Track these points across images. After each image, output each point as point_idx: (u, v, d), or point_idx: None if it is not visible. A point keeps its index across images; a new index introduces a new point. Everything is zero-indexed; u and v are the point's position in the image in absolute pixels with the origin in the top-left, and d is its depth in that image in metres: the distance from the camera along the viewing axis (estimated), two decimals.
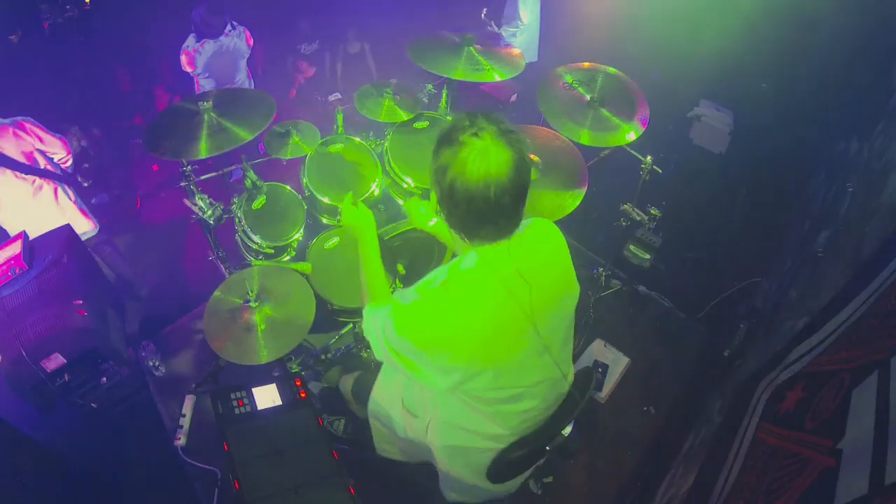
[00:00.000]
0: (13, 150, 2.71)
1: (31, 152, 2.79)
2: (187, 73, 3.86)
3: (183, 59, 3.78)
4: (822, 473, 1.24)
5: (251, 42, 3.95)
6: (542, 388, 1.47)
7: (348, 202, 1.81)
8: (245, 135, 2.18)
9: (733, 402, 2.24)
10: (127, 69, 4.63)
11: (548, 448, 1.56)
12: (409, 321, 1.27)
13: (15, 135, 2.73)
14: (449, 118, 2.82)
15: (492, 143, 1.17)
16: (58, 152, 2.91)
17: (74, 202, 3.02)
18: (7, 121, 2.75)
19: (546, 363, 1.43)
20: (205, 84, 3.90)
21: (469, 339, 1.26)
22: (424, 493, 2.01)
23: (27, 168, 2.76)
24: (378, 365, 2.64)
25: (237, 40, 3.85)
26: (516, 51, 2.79)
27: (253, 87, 4.19)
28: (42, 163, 2.84)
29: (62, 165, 2.96)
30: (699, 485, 1.91)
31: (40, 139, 2.82)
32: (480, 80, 2.62)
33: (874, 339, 1.44)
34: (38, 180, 2.83)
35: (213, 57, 3.78)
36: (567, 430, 1.60)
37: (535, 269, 1.31)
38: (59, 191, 2.93)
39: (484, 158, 1.15)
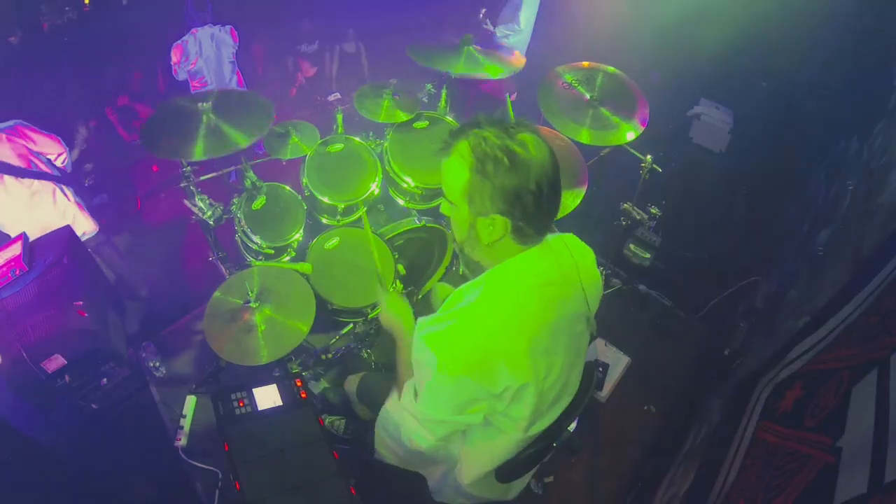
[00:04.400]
0: (8, 154, 2.70)
1: (27, 156, 2.78)
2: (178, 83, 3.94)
3: (173, 53, 3.88)
4: (821, 471, 1.25)
5: (236, 38, 4.06)
6: (568, 396, 1.48)
7: (391, 297, 1.67)
8: (242, 140, 2.18)
9: (733, 401, 2.24)
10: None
11: (554, 445, 1.57)
12: (454, 349, 1.20)
13: (9, 139, 2.71)
14: (449, 118, 2.82)
15: (528, 133, 1.21)
16: (52, 151, 2.89)
17: (73, 203, 3.01)
18: (0, 126, 2.74)
19: (578, 369, 1.45)
20: (195, 74, 3.94)
21: (518, 348, 1.21)
22: (425, 493, 2.01)
23: (24, 172, 2.74)
24: (379, 366, 2.65)
25: (222, 33, 3.97)
26: (515, 51, 2.80)
27: (239, 85, 4.21)
28: (38, 165, 2.83)
29: (59, 165, 2.94)
30: (699, 483, 1.91)
31: (33, 141, 2.80)
32: (479, 77, 2.62)
33: (874, 337, 1.44)
34: (36, 184, 2.82)
35: (200, 44, 3.89)
36: (572, 427, 1.60)
37: (584, 266, 1.36)
38: (58, 192, 2.92)
39: (539, 149, 1.19)
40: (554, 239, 1.35)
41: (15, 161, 2.72)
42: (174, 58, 3.90)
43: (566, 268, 1.32)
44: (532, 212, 1.20)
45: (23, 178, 2.75)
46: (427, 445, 1.38)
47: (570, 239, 1.45)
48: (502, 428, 1.38)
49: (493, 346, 1.20)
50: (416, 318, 1.43)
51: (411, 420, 1.36)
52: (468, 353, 1.19)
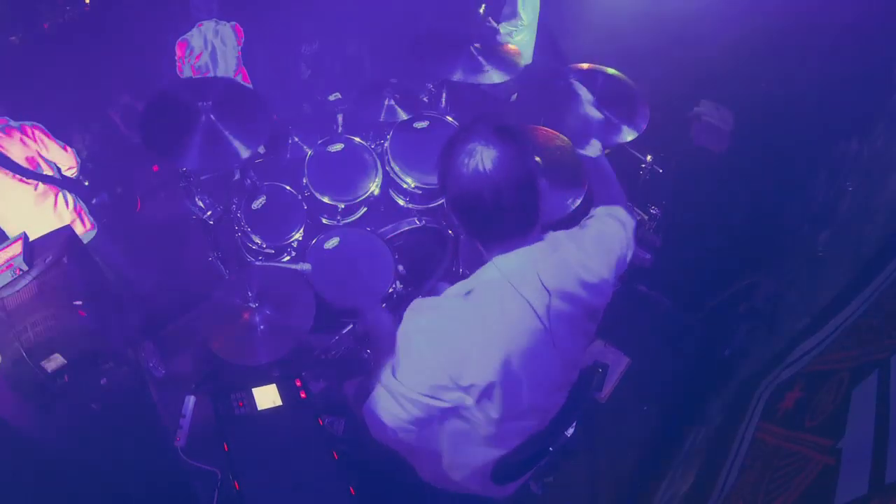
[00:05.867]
0: (18, 153, 2.70)
1: (35, 158, 2.77)
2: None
3: (178, 48, 3.87)
4: (821, 472, 1.25)
5: (241, 34, 4.05)
6: (547, 401, 1.47)
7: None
8: (242, 149, 2.18)
9: (733, 402, 2.24)
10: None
11: (551, 448, 1.57)
12: (433, 330, 1.25)
13: (22, 140, 2.71)
14: (449, 118, 2.82)
15: (478, 144, 1.17)
16: (63, 162, 2.89)
17: (74, 206, 3.00)
18: (16, 124, 2.73)
19: (556, 375, 1.43)
20: (199, 69, 3.94)
21: (485, 351, 1.24)
22: (424, 493, 2.01)
23: (29, 172, 2.74)
24: (379, 367, 2.65)
25: (227, 28, 3.97)
26: (514, 48, 2.80)
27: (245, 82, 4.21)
28: (45, 169, 2.82)
29: (70, 176, 2.94)
30: (699, 485, 1.91)
31: (46, 147, 2.79)
32: (480, 80, 2.62)
33: (874, 338, 1.45)
34: (41, 186, 2.82)
35: (204, 38, 3.88)
36: (569, 430, 1.61)
37: (562, 276, 1.30)
38: (59, 198, 2.91)
39: (471, 161, 1.16)
40: (567, 235, 1.35)
41: (23, 161, 2.71)
42: (178, 52, 3.89)
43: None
44: (468, 219, 1.25)
45: (27, 178, 2.75)
46: (400, 422, 1.37)
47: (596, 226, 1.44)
48: (475, 424, 1.39)
49: (465, 345, 1.23)
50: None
51: (386, 396, 1.36)
52: (441, 344, 1.23)
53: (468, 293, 1.26)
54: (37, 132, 2.77)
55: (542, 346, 1.31)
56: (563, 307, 1.30)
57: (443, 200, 2.73)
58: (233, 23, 3.97)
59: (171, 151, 2.13)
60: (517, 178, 1.18)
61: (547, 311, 1.28)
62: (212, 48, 3.90)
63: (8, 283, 2.32)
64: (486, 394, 1.28)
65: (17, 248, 2.41)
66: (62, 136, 2.99)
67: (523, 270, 1.26)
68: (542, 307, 1.27)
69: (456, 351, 1.23)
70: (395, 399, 1.32)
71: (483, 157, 1.16)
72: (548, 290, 1.27)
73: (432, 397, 1.28)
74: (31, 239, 2.52)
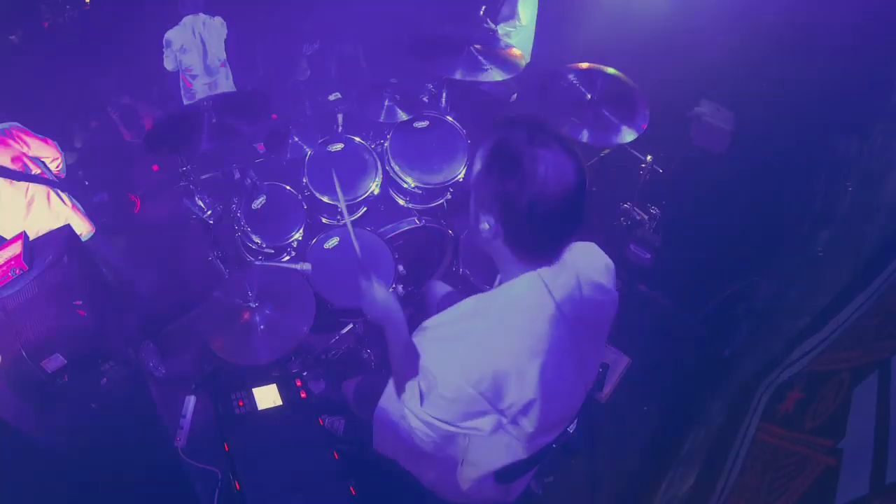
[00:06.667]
0: (3, 157, 2.67)
1: (21, 159, 2.74)
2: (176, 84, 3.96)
3: (164, 41, 3.87)
4: (822, 473, 1.24)
5: (226, 29, 4.05)
6: (573, 407, 1.47)
7: (377, 287, 1.51)
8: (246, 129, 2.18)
9: (733, 402, 2.24)
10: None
11: (554, 446, 1.57)
12: (464, 366, 1.19)
13: (2, 142, 2.67)
14: (449, 118, 2.82)
15: (559, 153, 1.11)
16: (47, 155, 2.85)
17: (69, 206, 2.98)
18: None
19: (580, 385, 1.43)
20: (185, 61, 3.94)
21: (523, 366, 1.20)
22: (424, 493, 2.01)
23: (18, 174, 2.71)
24: (379, 366, 2.65)
25: (214, 22, 3.98)
26: (516, 51, 2.79)
27: (230, 78, 4.22)
28: (32, 168, 2.79)
29: (53, 170, 2.91)
30: (700, 485, 1.91)
31: (28, 145, 2.75)
32: (480, 80, 2.62)
33: (874, 338, 1.44)
34: (31, 189, 2.79)
35: (191, 31, 3.89)
36: (572, 427, 1.61)
37: (588, 280, 1.31)
38: (52, 195, 2.87)
39: (561, 172, 1.10)
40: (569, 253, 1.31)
41: (9, 164, 2.69)
42: (164, 45, 3.90)
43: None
44: (523, 225, 1.16)
45: (18, 181, 2.72)
46: (429, 442, 1.38)
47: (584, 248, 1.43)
48: (506, 435, 1.38)
49: (504, 365, 1.19)
50: (406, 315, 1.44)
51: (413, 419, 1.36)
52: (478, 370, 1.19)
53: (492, 315, 1.23)
54: (14, 132, 2.74)
55: (570, 352, 1.30)
56: (588, 308, 1.31)
57: (443, 200, 2.75)
58: (219, 17, 3.98)
59: (178, 147, 2.13)
60: (585, 189, 1.15)
61: (576, 311, 1.27)
62: (200, 38, 3.91)
63: (8, 283, 2.31)
64: (524, 411, 1.26)
65: (16, 248, 2.41)
66: (61, 134, 2.97)
67: (566, 275, 1.25)
68: (571, 309, 1.26)
69: (493, 374, 1.19)
70: (426, 424, 1.30)
71: (570, 170, 1.11)
72: (581, 290, 1.27)
73: (467, 427, 1.26)
74: (30, 238, 2.52)
